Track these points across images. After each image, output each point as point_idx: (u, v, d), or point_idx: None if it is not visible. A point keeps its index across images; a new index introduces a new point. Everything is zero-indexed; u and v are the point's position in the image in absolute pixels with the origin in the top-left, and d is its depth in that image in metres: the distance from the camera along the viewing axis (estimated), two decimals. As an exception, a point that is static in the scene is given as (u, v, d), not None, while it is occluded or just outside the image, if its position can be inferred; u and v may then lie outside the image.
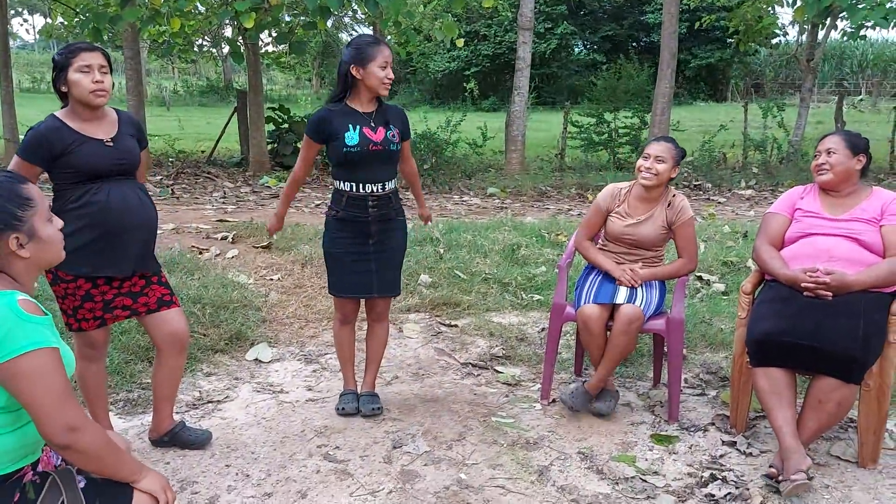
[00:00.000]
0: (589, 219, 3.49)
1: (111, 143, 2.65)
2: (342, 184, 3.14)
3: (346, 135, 3.04)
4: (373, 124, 3.08)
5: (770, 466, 2.81)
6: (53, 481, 1.67)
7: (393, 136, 3.10)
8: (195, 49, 15.96)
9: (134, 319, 3.75)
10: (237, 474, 2.80)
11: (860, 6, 9.35)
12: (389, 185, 3.15)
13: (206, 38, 14.25)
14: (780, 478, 2.69)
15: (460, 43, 11.07)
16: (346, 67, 3.07)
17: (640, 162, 3.31)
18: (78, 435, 1.60)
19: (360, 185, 3.10)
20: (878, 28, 10.05)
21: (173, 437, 2.95)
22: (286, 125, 12.39)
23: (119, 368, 3.53)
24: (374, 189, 3.11)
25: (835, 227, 3.01)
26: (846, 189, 3.08)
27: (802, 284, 2.89)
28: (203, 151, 13.32)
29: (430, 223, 3.79)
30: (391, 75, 3.07)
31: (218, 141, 12.79)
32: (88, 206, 2.60)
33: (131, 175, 2.73)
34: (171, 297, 2.85)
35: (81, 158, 2.58)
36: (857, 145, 3.07)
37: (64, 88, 2.59)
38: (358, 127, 3.06)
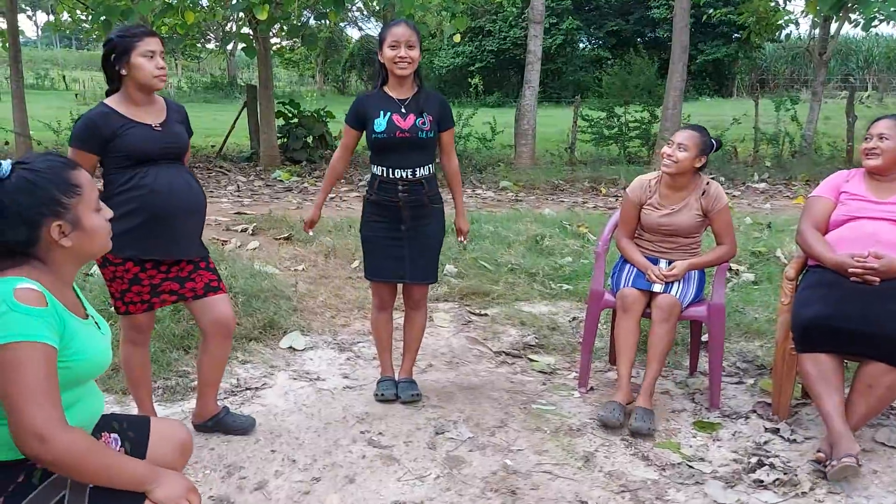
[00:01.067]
0: (624, 215, 3.45)
1: (160, 129, 2.65)
2: (375, 168, 3.16)
3: (375, 121, 3.06)
4: (403, 111, 3.07)
5: (818, 451, 2.80)
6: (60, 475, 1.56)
7: (423, 123, 3.08)
8: (201, 45, 15.93)
9: (167, 308, 3.78)
10: (283, 460, 2.79)
11: (873, 1, 9.33)
12: (421, 172, 3.13)
13: (212, 32, 14.21)
14: (828, 462, 2.68)
15: (457, 38, 11.05)
16: (377, 55, 3.10)
17: (665, 149, 3.29)
18: (46, 446, 1.44)
19: (391, 170, 3.10)
20: (889, 22, 10.04)
21: (217, 423, 2.94)
22: (296, 120, 12.36)
23: (156, 357, 3.50)
24: (404, 174, 3.10)
25: (881, 210, 3.00)
26: (894, 174, 3.06)
27: (850, 270, 2.87)
28: (213, 147, 13.28)
29: (464, 240, 3.57)
30: (403, 53, 3.00)
31: (228, 136, 12.76)
32: (137, 189, 2.59)
33: (179, 160, 2.72)
34: (218, 282, 2.83)
35: (130, 141, 2.58)
36: None
37: (123, 71, 2.57)
38: (388, 113, 3.06)
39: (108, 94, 2.69)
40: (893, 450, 2.95)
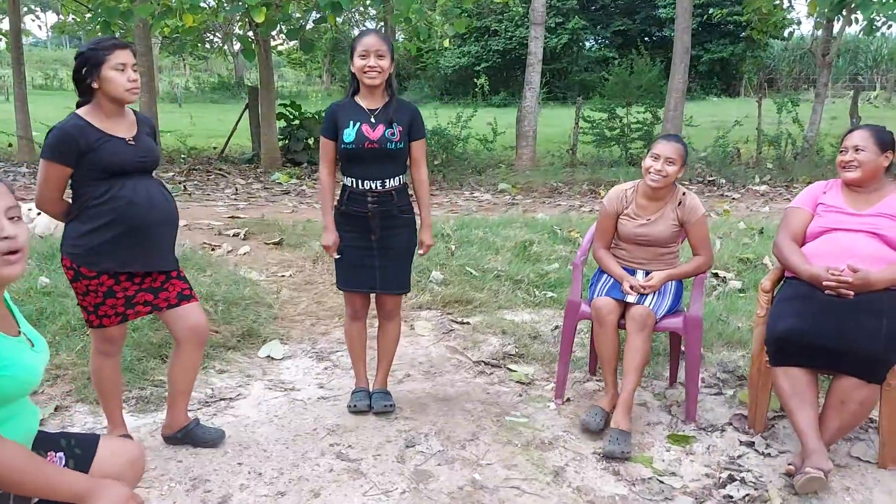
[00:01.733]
0: (601, 226, 3.44)
1: (133, 143, 2.65)
2: (345, 178, 3.15)
3: (344, 131, 3.05)
4: (373, 121, 3.06)
5: (789, 464, 2.77)
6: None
7: (392, 134, 3.06)
8: (206, 45, 15.94)
9: (146, 317, 3.78)
10: (249, 473, 2.78)
11: (873, 2, 9.25)
12: (391, 183, 3.10)
13: (216, 34, 14.22)
14: (797, 474, 2.65)
15: (446, 43, 11.04)
16: (350, 63, 3.10)
17: (650, 162, 3.24)
18: None
19: (360, 181, 3.08)
20: (890, 24, 9.95)
21: (187, 435, 2.93)
22: (297, 122, 12.39)
23: (131, 366, 3.51)
24: (374, 185, 3.08)
25: (858, 222, 2.96)
26: (872, 185, 3.02)
27: (824, 283, 2.83)
28: (215, 148, 13.33)
29: (424, 253, 3.29)
30: (373, 63, 2.99)
31: (230, 138, 12.80)
32: (113, 201, 2.58)
33: (150, 173, 2.72)
34: (190, 291, 2.84)
35: (106, 156, 2.57)
36: (885, 141, 3.01)
37: (95, 84, 2.57)
38: (358, 123, 3.05)
39: (78, 105, 2.68)
40: (868, 465, 2.91)
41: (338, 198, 3.21)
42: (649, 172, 3.23)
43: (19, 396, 1.68)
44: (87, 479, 1.62)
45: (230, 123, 13.31)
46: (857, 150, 3.00)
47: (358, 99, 3.11)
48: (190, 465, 2.82)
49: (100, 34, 9.47)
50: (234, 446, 2.96)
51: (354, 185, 3.10)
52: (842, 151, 3.07)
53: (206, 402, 3.37)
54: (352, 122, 3.05)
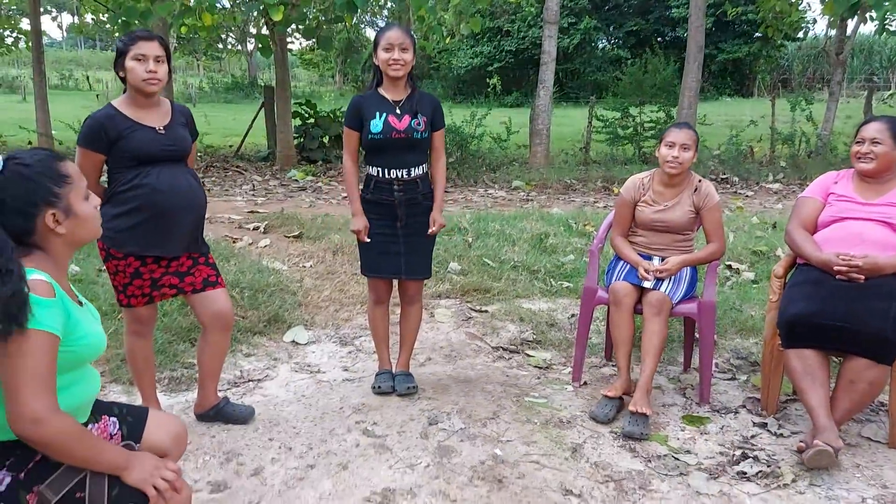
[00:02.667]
0: (618, 214, 3.54)
1: (163, 132, 2.76)
2: (371, 168, 3.25)
3: (371, 122, 3.15)
4: (398, 112, 3.16)
5: (800, 442, 2.86)
6: None
7: (418, 124, 3.17)
8: (220, 45, 16.16)
9: (176, 302, 3.91)
10: (280, 447, 2.89)
11: (886, 1, 9.29)
12: (416, 171, 3.22)
13: (231, 33, 14.42)
14: (807, 451, 2.74)
15: (448, 40, 11.14)
16: (373, 56, 3.20)
17: (666, 151, 3.34)
18: (41, 428, 1.56)
19: (386, 170, 3.19)
20: None
21: (218, 413, 3.05)
22: (312, 120, 12.52)
23: (163, 348, 3.64)
24: (400, 174, 3.19)
25: (868, 211, 3.04)
26: (885, 176, 3.10)
27: (835, 268, 2.92)
28: (231, 146, 13.49)
29: (435, 231, 3.32)
30: (397, 56, 3.09)
31: (245, 135, 12.95)
32: (139, 188, 2.70)
33: (182, 161, 2.84)
34: (216, 277, 2.94)
35: (134, 143, 2.69)
36: None
37: (122, 74, 2.70)
38: (384, 114, 3.15)
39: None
40: (878, 445, 2.99)
41: (362, 186, 3.32)
42: (667, 161, 3.33)
43: (90, 360, 1.80)
44: (122, 454, 1.74)
45: (245, 122, 13.47)
46: (873, 142, 3.06)
47: (382, 91, 3.21)
48: (223, 440, 2.94)
49: (118, 34, 9.64)
50: (265, 423, 3.08)
51: (380, 175, 3.20)
52: (858, 142, 3.12)
53: (235, 383, 3.49)
54: (378, 113, 3.16)
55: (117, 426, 1.93)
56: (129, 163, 2.71)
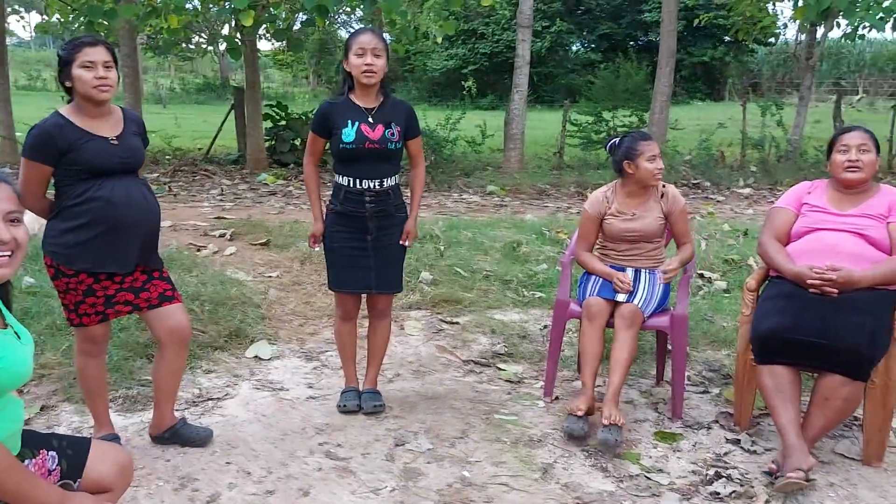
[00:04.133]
0: (584, 230, 3.47)
1: (116, 142, 2.63)
2: (340, 178, 3.13)
3: (343, 131, 3.03)
4: (371, 121, 3.05)
5: (772, 462, 2.80)
6: None
7: (392, 134, 3.07)
8: (191, 46, 15.86)
9: (133, 316, 3.76)
10: (238, 471, 2.77)
11: (857, 8, 9.39)
12: (388, 182, 3.12)
13: (201, 34, 14.16)
14: (778, 474, 2.68)
15: (439, 39, 11.06)
16: (343, 62, 3.09)
17: (652, 166, 3.26)
18: None
19: (357, 181, 3.08)
20: (874, 30, 10.10)
21: (174, 434, 2.92)
22: (284, 122, 12.34)
23: (118, 365, 3.50)
24: (371, 185, 3.08)
25: (841, 222, 2.99)
26: (862, 187, 3.05)
27: (808, 281, 2.86)
28: (200, 149, 13.26)
29: (408, 242, 3.25)
30: (370, 61, 2.98)
31: (215, 138, 12.74)
32: (91, 201, 2.57)
33: (135, 173, 2.71)
34: (172, 292, 2.82)
35: (86, 156, 2.56)
36: (876, 140, 3.06)
37: (68, 83, 2.56)
38: (356, 123, 3.04)
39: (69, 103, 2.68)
40: (852, 462, 2.94)
41: (331, 197, 3.21)
42: (654, 174, 3.27)
43: (11, 388, 1.68)
44: (57, 494, 1.64)
45: (215, 125, 13.24)
46: (861, 149, 3.00)
47: (353, 98, 3.10)
48: (178, 464, 2.81)
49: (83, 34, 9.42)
50: (223, 445, 2.96)
51: (351, 185, 3.09)
52: (842, 151, 3.04)
53: (194, 402, 3.35)
54: (350, 122, 3.04)
55: (56, 461, 1.82)
56: (80, 175, 2.58)
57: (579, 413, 3.06)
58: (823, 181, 3.20)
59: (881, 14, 9.44)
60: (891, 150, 12.20)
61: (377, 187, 3.09)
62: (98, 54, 2.54)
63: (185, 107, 25.79)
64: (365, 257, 3.16)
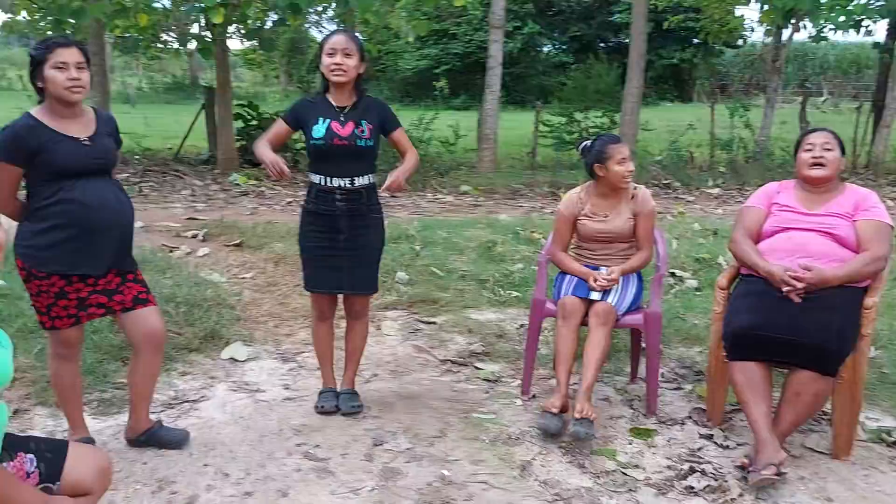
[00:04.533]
0: (558, 230, 3.51)
1: (89, 143, 2.61)
2: (312, 175, 3.14)
3: (314, 127, 3.06)
4: (342, 119, 3.07)
5: (744, 457, 2.86)
6: None
7: (362, 132, 3.08)
8: (161, 45, 15.63)
9: (106, 318, 3.71)
10: (216, 473, 2.76)
11: (821, 10, 9.62)
12: (361, 181, 3.12)
13: (170, 33, 13.96)
14: (751, 469, 2.74)
15: (410, 38, 11.06)
16: (319, 62, 3.11)
17: (622, 168, 3.30)
18: None
19: (329, 178, 3.09)
20: (838, 31, 10.38)
21: (150, 437, 2.90)
22: (255, 122, 12.24)
23: (92, 368, 3.45)
24: (342, 183, 3.08)
25: (810, 221, 3.06)
26: (830, 185, 3.13)
27: (784, 289, 2.89)
28: (170, 149, 13.10)
29: (388, 190, 3.10)
30: (339, 60, 3.00)
31: (185, 138, 12.60)
32: (64, 203, 2.55)
33: (108, 174, 2.69)
34: (147, 294, 2.80)
35: (58, 157, 2.53)
36: (842, 144, 3.15)
37: (40, 84, 2.53)
38: (327, 120, 3.06)
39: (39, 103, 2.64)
40: (822, 456, 3.02)
41: (305, 195, 3.22)
42: (624, 177, 3.32)
43: None
44: (42, 496, 1.64)
45: (186, 124, 13.10)
46: (825, 147, 3.09)
47: (328, 96, 3.13)
48: (155, 466, 2.79)
49: (50, 33, 9.26)
50: (200, 447, 2.94)
51: (323, 182, 3.09)
52: (807, 149, 3.12)
53: (170, 405, 3.33)
54: (321, 119, 3.06)
55: (34, 464, 1.80)
56: (52, 176, 2.55)
57: (554, 410, 3.09)
58: (791, 181, 3.27)
59: (843, 16, 9.69)
60: (855, 150, 12.48)
61: (348, 185, 3.09)
62: (71, 55, 2.51)
63: (154, 106, 25.46)
64: (338, 258, 3.16)
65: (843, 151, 3.16)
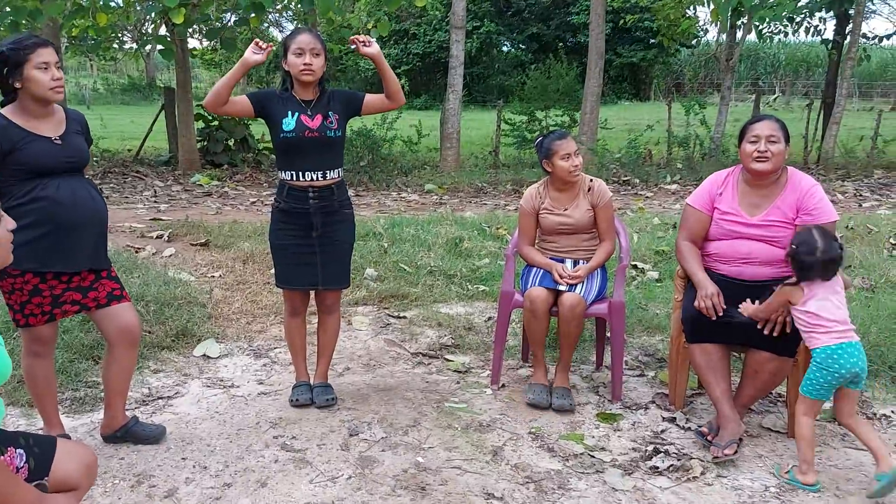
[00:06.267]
0: (522, 225, 3.62)
1: (59, 142, 2.62)
2: (284, 173, 3.17)
3: (283, 120, 3.10)
4: (310, 112, 3.12)
5: (706, 426, 3.05)
6: None
7: (331, 122, 3.14)
8: (116, 45, 15.37)
9: (77, 318, 3.72)
10: (194, 466, 2.80)
11: (763, 8, 10.02)
12: (332, 175, 3.17)
13: (126, 33, 13.74)
14: (713, 439, 2.94)
15: (374, 38, 11.10)
16: (282, 61, 3.15)
17: (566, 164, 3.40)
18: None
19: (300, 174, 3.13)
20: (780, 28, 10.82)
21: (127, 433, 2.92)
22: (216, 123, 12.16)
23: (63, 367, 3.45)
24: (315, 177, 3.13)
25: (752, 232, 3.06)
26: (772, 178, 3.07)
27: (703, 308, 3.01)
28: (130, 150, 12.93)
29: (357, 42, 3.11)
30: (308, 60, 3.04)
31: (145, 139, 12.46)
32: (37, 201, 2.56)
33: (80, 172, 2.71)
34: (121, 291, 2.83)
35: (30, 156, 2.54)
36: (786, 130, 3.06)
37: (17, 84, 2.54)
38: (296, 114, 3.11)
39: (2, 104, 2.64)
40: (778, 434, 3.17)
41: (276, 194, 3.25)
42: (570, 171, 3.42)
43: None
44: (37, 493, 1.66)
45: (143, 125, 12.95)
46: (770, 140, 2.98)
47: (293, 93, 3.16)
48: (133, 461, 2.82)
49: (4, 34, 9.07)
50: (177, 442, 2.97)
51: (294, 179, 3.14)
52: (752, 141, 3.02)
53: (144, 402, 3.35)
54: (290, 113, 3.10)
55: (24, 459, 1.82)
56: (24, 175, 2.56)
57: (540, 381, 3.39)
58: (735, 173, 3.20)
59: (785, 11, 10.14)
60: (806, 146, 12.89)
61: (320, 179, 3.14)
62: (51, 55, 2.53)
63: (110, 107, 25.03)
64: (311, 254, 3.22)
65: (787, 140, 3.05)
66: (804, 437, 2.78)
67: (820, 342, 2.74)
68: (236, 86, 3.12)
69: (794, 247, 2.81)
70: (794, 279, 2.82)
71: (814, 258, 2.73)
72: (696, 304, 3.04)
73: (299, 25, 13.24)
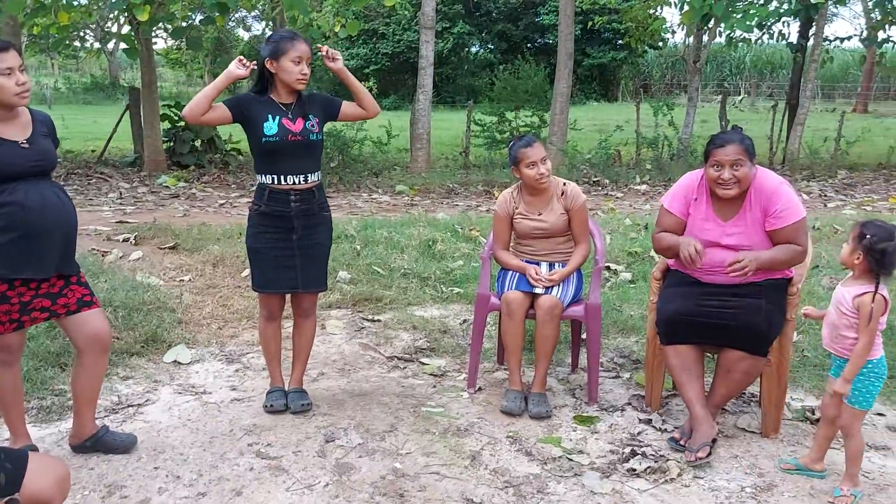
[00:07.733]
0: (497, 230, 3.61)
1: (27, 145, 2.55)
2: (264, 177, 3.13)
3: (265, 125, 3.05)
4: (291, 116, 3.09)
5: (676, 429, 3.08)
6: None
7: (312, 126, 3.11)
8: (77, 44, 15.06)
9: (43, 325, 3.62)
10: (167, 476, 2.74)
11: (733, 15, 10.20)
12: (312, 178, 3.15)
13: (88, 31, 13.47)
14: (686, 444, 2.95)
15: (342, 36, 10.99)
16: (262, 61, 3.09)
17: (532, 171, 3.38)
18: None
19: (282, 178, 3.09)
20: (747, 36, 11.03)
21: (96, 443, 2.85)
22: (183, 123, 11.97)
23: (29, 375, 3.35)
24: (297, 181, 3.10)
25: (728, 238, 3.07)
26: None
27: (691, 263, 3.00)
28: (93, 151, 12.67)
29: (326, 56, 3.18)
30: (306, 70, 3.07)
31: (109, 140, 12.21)
32: (5, 206, 2.49)
33: (48, 175, 2.63)
34: (91, 297, 2.76)
35: None
36: (752, 149, 3.01)
37: None
38: (277, 117, 3.07)
39: None
40: (752, 435, 3.20)
41: (255, 197, 3.20)
42: (537, 179, 3.41)
43: None
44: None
45: (107, 125, 12.70)
46: (734, 166, 2.94)
47: (272, 95, 3.12)
48: (103, 472, 2.75)
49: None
50: (149, 451, 2.90)
51: (276, 182, 3.10)
52: (715, 167, 2.98)
53: (114, 410, 3.27)
54: (271, 116, 3.06)
55: None
56: None
57: (515, 388, 3.37)
58: (705, 185, 3.15)
59: (753, 21, 10.32)
60: (772, 147, 13.10)
61: (302, 183, 3.11)
62: (14, 59, 2.46)
63: (72, 107, 24.52)
64: (290, 257, 3.17)
65: (753, 156, 3.00)
66: (861, 452, 2.69)
67: (879, 351, 2.66)
68: (201, 86, 3.08)
69: (869, 237, 2.52)
70: (867, 290, 2.55)
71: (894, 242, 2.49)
72: (680, 254, 3.00)
73: (269, 25, 13.09)
